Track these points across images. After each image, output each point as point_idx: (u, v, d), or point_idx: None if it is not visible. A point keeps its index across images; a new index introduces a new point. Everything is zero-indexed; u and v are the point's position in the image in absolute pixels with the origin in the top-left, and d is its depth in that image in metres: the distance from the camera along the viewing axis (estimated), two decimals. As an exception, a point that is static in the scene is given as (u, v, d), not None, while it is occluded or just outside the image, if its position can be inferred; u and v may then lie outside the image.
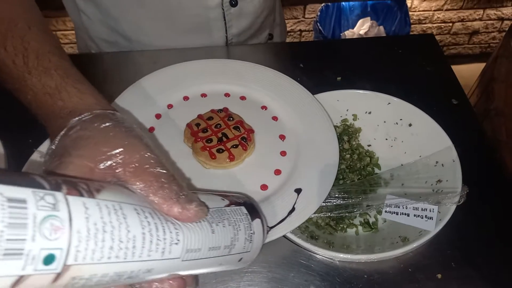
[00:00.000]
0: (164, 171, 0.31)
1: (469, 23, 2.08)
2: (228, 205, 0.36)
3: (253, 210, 0.38)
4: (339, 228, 0.57)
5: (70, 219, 0.21)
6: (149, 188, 0.29)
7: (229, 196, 0.39)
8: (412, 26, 1.99)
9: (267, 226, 0.44)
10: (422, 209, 0.51)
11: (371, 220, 0.58)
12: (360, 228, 0.58)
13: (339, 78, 0.72)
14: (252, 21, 0.81)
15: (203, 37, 0.79)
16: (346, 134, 0.65)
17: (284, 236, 0.50)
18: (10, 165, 0.58)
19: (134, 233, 0.25)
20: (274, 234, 0.48)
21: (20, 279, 0.19)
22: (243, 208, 0.37)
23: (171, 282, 0.30)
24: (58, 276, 0.21)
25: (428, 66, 0.73)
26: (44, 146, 0.58)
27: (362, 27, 1.88)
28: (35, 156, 0.57)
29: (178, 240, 0.28)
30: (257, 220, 0.38)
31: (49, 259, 0.20)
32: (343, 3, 1.89)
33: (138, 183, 0.29)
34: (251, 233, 0.36)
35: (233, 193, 0.40)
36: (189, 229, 0.30)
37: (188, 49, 0.78)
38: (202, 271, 0.33)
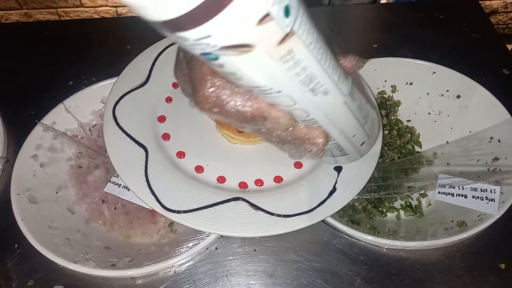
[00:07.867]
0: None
1: (487, 2, 1.99)
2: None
3: None
4: (378, 212, 0.51)
5: None
6: None
7: None
8: None
9: None
10: (481, 190, 0.45)
11: (414, 203, 0.52)
12: (401, 212, 0.51)
13: (375, 45, 0.65)
14: None
15: None
16: (383, 107, 0.58)
17: (323, 221, 0.44)
18: (10, 139, 0.52)
19: (326, 48, 0.27)
20: (314, 218, 0.41)
21: (265, 18, 0.20)
22: None
23: None
24: (284, 38, 0.22)
25: (474, 33, 0.65)
26: (48, 118, 0.51)
27: None
28: (38, 130, 0.50)
29: (347, 78, 0.30)
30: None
31: (287, 10, 0.21)
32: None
33: None
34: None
35: None
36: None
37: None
38: (344, 131, 0.33)
